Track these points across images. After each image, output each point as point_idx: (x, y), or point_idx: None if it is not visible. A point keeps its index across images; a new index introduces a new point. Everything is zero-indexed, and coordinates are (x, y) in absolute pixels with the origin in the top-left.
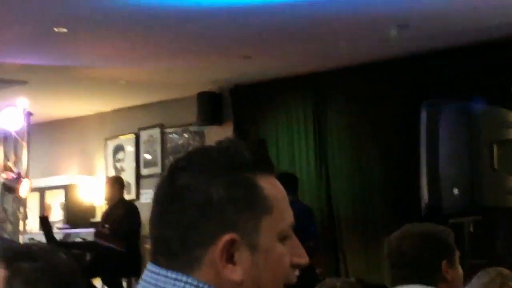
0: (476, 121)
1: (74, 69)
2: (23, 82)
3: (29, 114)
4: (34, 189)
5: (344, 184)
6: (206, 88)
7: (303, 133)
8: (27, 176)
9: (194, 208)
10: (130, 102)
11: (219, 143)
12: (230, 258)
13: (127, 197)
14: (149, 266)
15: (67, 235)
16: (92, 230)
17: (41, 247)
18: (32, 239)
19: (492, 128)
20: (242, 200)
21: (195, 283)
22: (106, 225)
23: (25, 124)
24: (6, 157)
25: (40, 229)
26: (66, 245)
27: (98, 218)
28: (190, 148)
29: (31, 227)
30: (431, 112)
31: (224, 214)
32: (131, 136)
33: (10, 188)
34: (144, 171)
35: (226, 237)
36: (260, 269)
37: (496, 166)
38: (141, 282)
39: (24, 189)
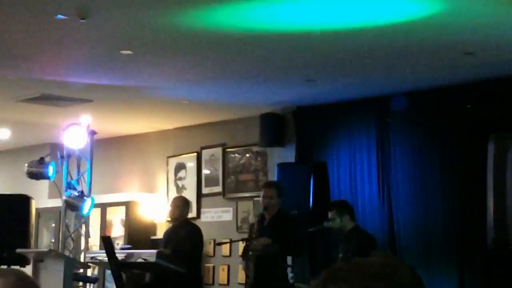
0: None
1: (137, 89)
2: (88, 101)
3: (93, 132)
4: (96, 205)
5: (407, 208)
6: (269, 109)
7: (365, 156)
8: (90, 193)
9: None
10: (192, 121)
11: (372, 257)
12: None
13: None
14: None
15: (129, 255)
16: (154, 251)
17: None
18: (94, 257)
19: None
20: None
21: None
22: (168, 247)
23: (89, 142)
24: (70, 175)
25: (101, 248)
26: (128, 264)
27: (158, 235)
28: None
29: (92, 243)
30: (499, 145)
31: None
32: (193, 155)
33: (73, 206)
34: (205, 190)
35: None
36: None
37: None
38: None
39: (87, 207)
